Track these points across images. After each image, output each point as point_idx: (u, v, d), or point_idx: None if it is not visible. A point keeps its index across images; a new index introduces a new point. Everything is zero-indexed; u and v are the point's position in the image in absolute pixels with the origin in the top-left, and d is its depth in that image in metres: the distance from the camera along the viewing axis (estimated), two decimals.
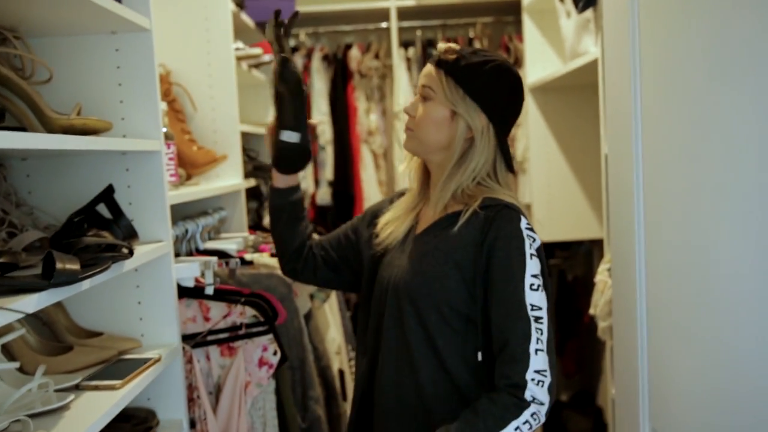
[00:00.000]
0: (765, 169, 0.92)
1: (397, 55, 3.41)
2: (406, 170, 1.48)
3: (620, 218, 1.39)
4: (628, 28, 1.29)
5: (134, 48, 1.46)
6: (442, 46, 1.38)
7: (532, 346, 1.23)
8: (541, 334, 1.24)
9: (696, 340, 1.12)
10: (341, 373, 2.31)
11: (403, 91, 3.38)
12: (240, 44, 2.46)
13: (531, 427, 1.22)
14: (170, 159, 1.73)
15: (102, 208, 1.39)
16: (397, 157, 3.40)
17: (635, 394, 1.33)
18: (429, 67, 1.38)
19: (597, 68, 2.03)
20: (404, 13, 3.47)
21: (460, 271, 1.31)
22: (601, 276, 1.93)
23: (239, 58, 2.40)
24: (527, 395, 1.21)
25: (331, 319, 2.34)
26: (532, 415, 1.21)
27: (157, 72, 1.49)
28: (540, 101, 3.05)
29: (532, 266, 1.28)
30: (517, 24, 3.39)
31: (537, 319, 1.25)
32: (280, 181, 1.51)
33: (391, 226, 1.44)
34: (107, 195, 1.38)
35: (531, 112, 3.08)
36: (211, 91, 2.25)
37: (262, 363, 1.60)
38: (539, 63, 3.06)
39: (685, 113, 1.12)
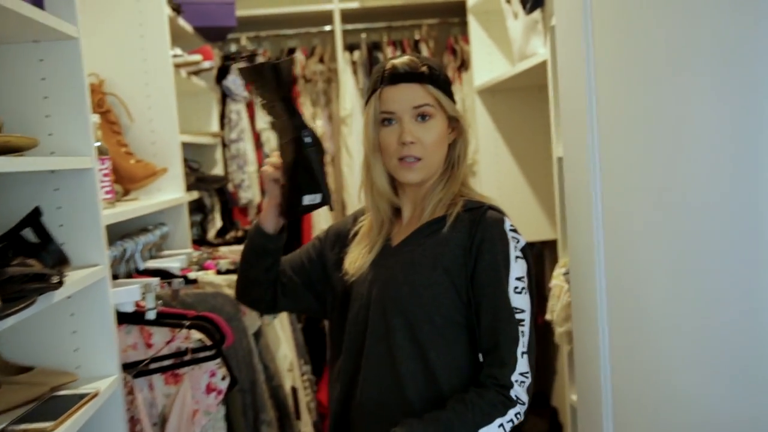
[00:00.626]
0: (723, 166, 0.91)
1: (342, 59, 3.35)
2: (370, 204, 1.41)
3: (578, 221, 1.37)
4: (581, 28, 1.27)
5: (60, 58, 1.36)
6: (398, 63, 1.32)
7: (519, 350, 1.25)
8: (524, 336, 1.27)
9: (659, 344, 1.11)
10: (294, 390, 2.23)
11: (349, 95, 3.31)
12: (178, 50, 2.36)
13: (513, 425, 1.26)
14: (105, 175, 1.61)
15: (29, 233, 1.28)
16: (344, 163, 3.33)
17: (598, 400, 1.32)
18: (408, 86, 1.31)
19: (546, 70, 2.01)
20: (348, 16, 3.40)
21: (450, 277, 1.29)
22: (557, 281, 1.91)
23: (177, 65, 2.29)
24: (512, 395, 1.24)
25: (281, 335, 2.26)
26: (516, 414, 1.25)
27: (86, 83, 1.39)
28: (488, 103, 3.03)
29: (517, 269, 1.28)
30: (463, 25, 3.37)
31: (520, 321, 1.27)
32: (272, 225, 1.43)
33: (359, 260, 1.39)
34: (34, 218, 1.28)
35: (479, 114, 3.06)
36: (148, 101, 2.13)
37: (210, 389, 1.51)
38: (486, 65, 3.04)
39: (641, 113, 1.11)
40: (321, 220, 3.34)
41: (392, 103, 1.31)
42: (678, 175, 1.02)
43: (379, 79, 1.33)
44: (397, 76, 1.31)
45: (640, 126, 1.12)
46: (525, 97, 2.96)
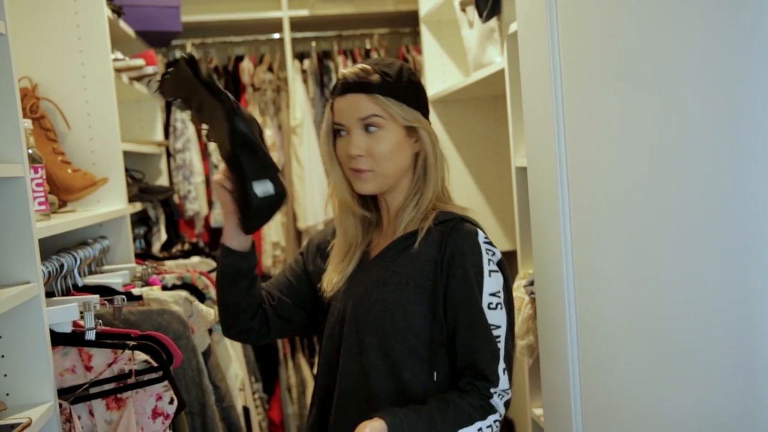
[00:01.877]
0: (696, 172, 0.90)
1: (292, 68, 3.27)
2: (336, 221, 1.36)
3: (543, 232, 1.33)
4: (546, 33, 1.23)
5: None
6: (348, 72, 1.28)
7: (500, 367, 1.24)
8: (501, 352, 1.25)
9: (633, 357, 1.08)
10: (246, 410, 2.12)
11: (300, 104, 3.23)
12: (119, 55, 2.24)
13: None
14: (38, 185, 1.49)
15: None
16: (295, 173, 3.24)
17: (567, 414, 1.28)
18: (356, 97, 1.26)
19: (503, 79, 1.98)
20: (297, 24, 3.34)
21: (422, 293, 1.25)
22: (517, 293, 1.87)
23: (118, 70, 2.17)
24: (492, 402, 1.24)
25: (232, 353, 2.15)
26: (495, 421, 1.24)
27: (16, 83, 1.27)
28: (441, 113, 3.00)
29: (491, 284, 1.25)
30: (414, 35, 3.35)
31: (497, 338, 1.24)
32: (237, 242, 1.32)
33: (335, 276, 1.33)
34: None
35: (433, 125, 3.01)
36: (87, 107, 2.01)
37: (156, 414, 1.40)
38: (439, 75, 3.01)
39: (612, 119, 1.09)
40: (271, 233, 3.24)
41: (342, 115, 1.28)
42: (649, 183, 1.00)
43: (333, 90, 1.31)
44: (345, 86, 1.27)
45: (610, 132, 1.10)
46: (479, 107, 2.95)
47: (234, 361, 2.15)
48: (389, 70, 1.27)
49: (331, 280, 1.34)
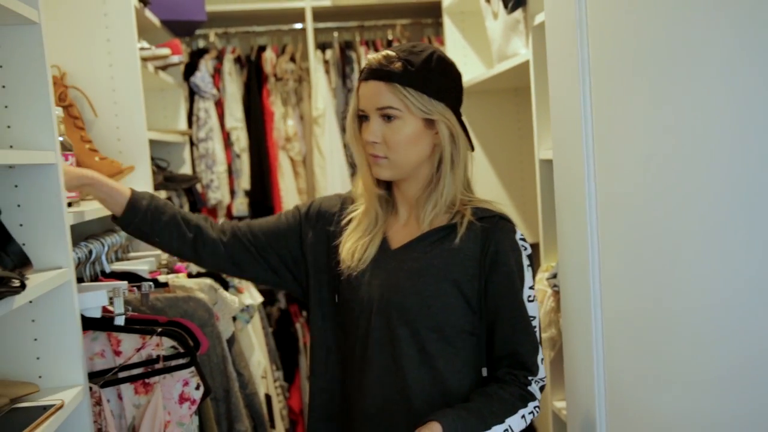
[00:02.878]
0: (726, 165, 0.88)
1: (314, 58, 3.27)
2: (362, 194, 1.36)
3: (569, 224, 1.33)
4: (574, 24, 1.22)
5: (19, 43, 1.26)
6: (372, 59, 1.27)
7: (540, 357, 1.29)
8: (539, 343, 1.31)
9: (657, 352, 1.07)
10: (268, 398, 2.15)
11: (322, 94, 3.24)
12: (145, 44, 2.26)
13: (533, 417, 1.29)
14: None
15: None
16: (316, 163, 3.25)
17: (591, 410, 1.28)
18: (376, 85, 1.25)
19: (527, 70, 1.97)
20: (320, 14, 3.33)
21: (459, 287, 1.27)
22: (540, 285, 1.87)
23: (144, 59, 2.19)
24: (530, 389, 1.29)
25: (255, 341, 2.18)
26: (534, 407, 1.28)
27: (49, 72, 1.29)
28: (463, 105, 2.99)
29: (529, 278, 1.30)
30: (437, 26, 3.33)
31: (534, 329, 1.30)
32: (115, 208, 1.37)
33: (358, 252, 1.32)
34: None
35: None
36: (114, 95, 2.03)
37: (183, 399, 1.43)
38: (461, 66, 2.97)
39: (641, 111, 1.08)
40: (290, 202, 3.24)
41: (363, 100, 1.28)
42: (677, 176, 0.99)
43: (360, 73, 1.31)
44: (369, 72, 1.27)
45: (637, 125, 1.09)
46: (501, 99, 2.94)
47: (257, 349, 2.17)
48: (414, 59, 1.25)
49: (352, 253, 1.32)
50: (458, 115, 1.32)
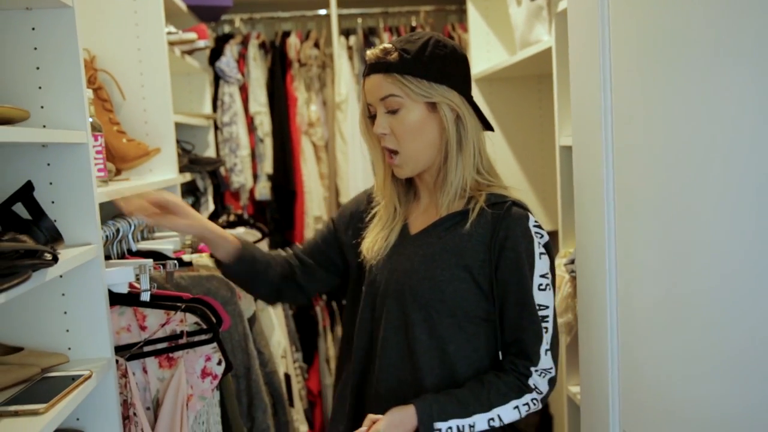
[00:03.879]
0: (745, 157, 0.88)
1: (338, 44, 3.29)
2: (381, 192, 1.41)
3: (587, 210, 1.34)
4: (596, 12, 1.23)
5: (53, 26, 1.30)
6: (371, 53, 1.29)
7: (543, 347, 1.28)
8: (547, 332, 1.28)
9: (671, 339, 1.08)
10: (287, 377, 2.19)
11: (345, 80, 3.26)
12: (172, 28, 2.30)
13: (528, 410, 1.28)
14: (98, 152, 1.56)
15: (20, 209, 1.23)
16: (339, 149, 3.28)
17: (604, 394, 1.29)
18: (376, 78, 1.28)
19: (549, 57, 1.98)
20: (344, 0, 3.35)
21: (471, 273, 1.28)
22: (558, 271, 1.88)
23: (172, 43, 2.23)
24: (530, 383, 1.27)
25: (275, 321, 2.22)
26: (532, 399, 1.28)
27: (81, 54, 1.33)
28: (485, 92, 2.99)
29: (541, 266, 1.29)
30: (461, 13, 3.33)
31: (543, 318, 1.28)
32: (221, 253, 1.45)
33: (377, 245, 1.37)
34: (25, 193, 1.22)
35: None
36: (141, 79, 2.07)
37: (205, 374, 1.47)
38: (484, 53, 3.00)
39: (660, 100, 1.08)
40: (314, 207, 3.30)
41: (368, 95, 1.31)
42: (696, 165, 0.99)
43: (363, 71, 1.34)
44: (369, 67, 1.30)
45: (657, 114, 1.09)
46: (523, 86, 2.93)
47: (277, 329, 2.22)
48: (410, 47, 1.26)
49: (372, 246, 1.37)
50: (467, 97, 1.32)
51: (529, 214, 1.31)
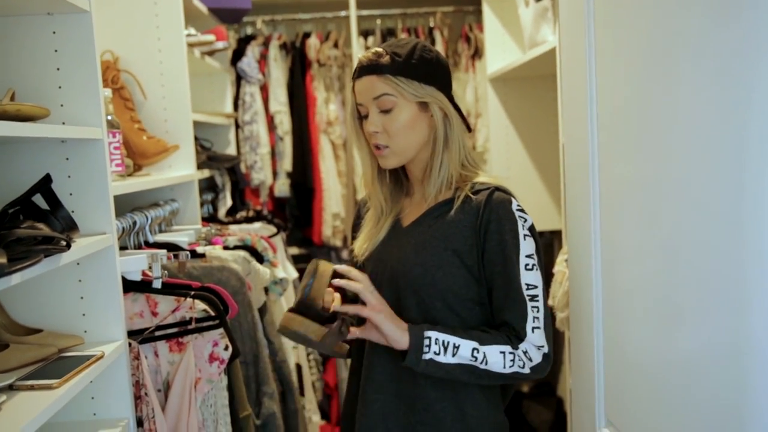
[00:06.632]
0: (722, 156, 0.90)
1: (357, 44, 3.36)
2: (368, 189, 1.47)
3: (576, 208, 1.38)
4: (583, 13, 1.27)
5: (73, 30, 1.39)
6: (363, 57, 1.37)
7: (529, 325, 1.31)
8: (538, 311, 1.32)
9: (652, 334, 1.11)
10: (299, 367, 2.27)
11: None
12: (192, 30, 2.39)
13: (513, 366, 1.29)
14: (116, 148, 1.66)
15: (40, 200, 1.32)
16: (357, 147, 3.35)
17: (591, 386, 1.33)
18: (369, 79, 1.35)
19: (555, 57, 2.02)
20: (363, 2, 3.42)
21: (460, 257, 1.34)
22: (560, 267, 1.91)
23: (191, 45, 2.32)
24: (522, 346, 1.31)
25: None
26: (519, 358, 1.30)
27: (98, 56, 1.42)
28: (500, 91, 3.04)
29: (526, 247, 1.33)
30: (478, 14, 3.37)
31: (533, 297, 1.32)
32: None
33: (365, 243, 1.45)
34: (44, 185, 1.31)
35: (491, 103, 3.06)
36: (161, 79, 2.17)
37: (212, 358, 1.55)
38: (499, 53, 3.05)
39: (640, 101, 1.11)
40: (332, 204, 3.37)
41: (360, 95, 1.37)
42: (678, 165, 1.00)
43: (353, 74, 1.40)
44: (361, 70, 1.36)
45: (637, 114, 1.11)
46: (536, 86, 2.97)
47: None
48: (400, 51, 1.35)
49: (362, 246, 1.45)
50: (450, 98, 1.39)
51: (512, 198, 1.36)
